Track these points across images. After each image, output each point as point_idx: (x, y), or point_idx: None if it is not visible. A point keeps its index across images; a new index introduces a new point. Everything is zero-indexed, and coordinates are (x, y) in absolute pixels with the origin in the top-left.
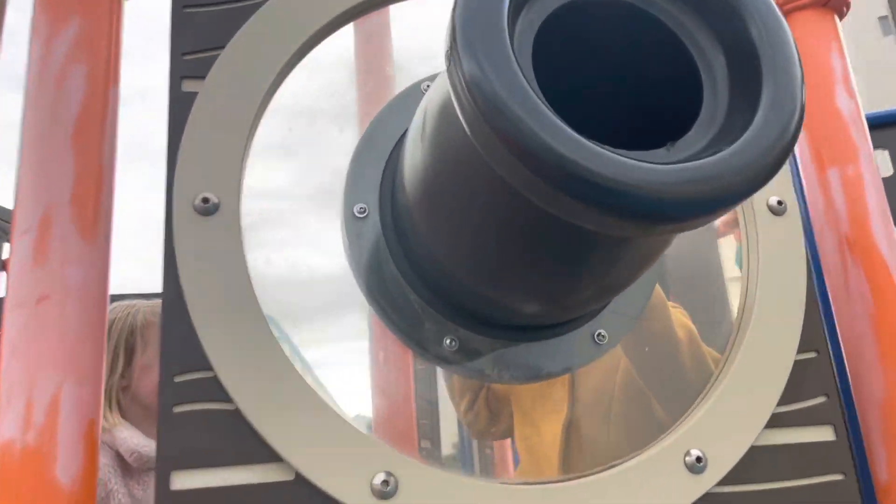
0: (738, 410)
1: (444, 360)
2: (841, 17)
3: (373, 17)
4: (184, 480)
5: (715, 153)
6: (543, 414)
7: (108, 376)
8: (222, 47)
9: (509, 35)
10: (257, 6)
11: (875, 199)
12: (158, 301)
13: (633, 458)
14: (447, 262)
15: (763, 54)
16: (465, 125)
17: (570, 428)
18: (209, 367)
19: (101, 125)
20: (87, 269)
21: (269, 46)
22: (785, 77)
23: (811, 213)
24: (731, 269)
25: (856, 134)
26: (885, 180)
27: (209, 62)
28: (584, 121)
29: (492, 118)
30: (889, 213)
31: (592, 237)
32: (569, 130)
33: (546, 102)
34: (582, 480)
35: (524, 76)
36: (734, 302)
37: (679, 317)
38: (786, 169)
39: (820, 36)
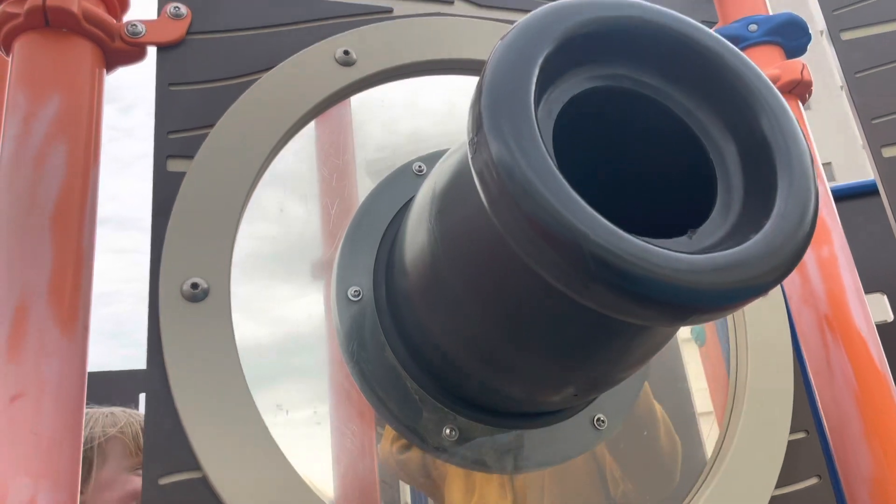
0: (740, 494)
1: (443, 451)
2: (804, 103)
3: (359, 99)
4: None
5: (739, 242)
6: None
7: None
8: (210, 126)
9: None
10: (245, 85)
11: (850, 279)
12: (114, 410)
13: None
14: (450, 349)
15: (775, 145)
16: (489, 208)
17: None
18: (198, 467)
19: (82, 207)
20: (63, 363)
21: (259, 127)
22: (799, 167)
23: (787, 292)
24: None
25: (827, 216)
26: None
27: (196, 141)
28: (601, 208)
29: (523, 203)
30: (863, 293)
31: (611, 326)
32: (599, 217)
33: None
34: None
35: (553, 161)
36: (693, 371)
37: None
38: None
39: None
